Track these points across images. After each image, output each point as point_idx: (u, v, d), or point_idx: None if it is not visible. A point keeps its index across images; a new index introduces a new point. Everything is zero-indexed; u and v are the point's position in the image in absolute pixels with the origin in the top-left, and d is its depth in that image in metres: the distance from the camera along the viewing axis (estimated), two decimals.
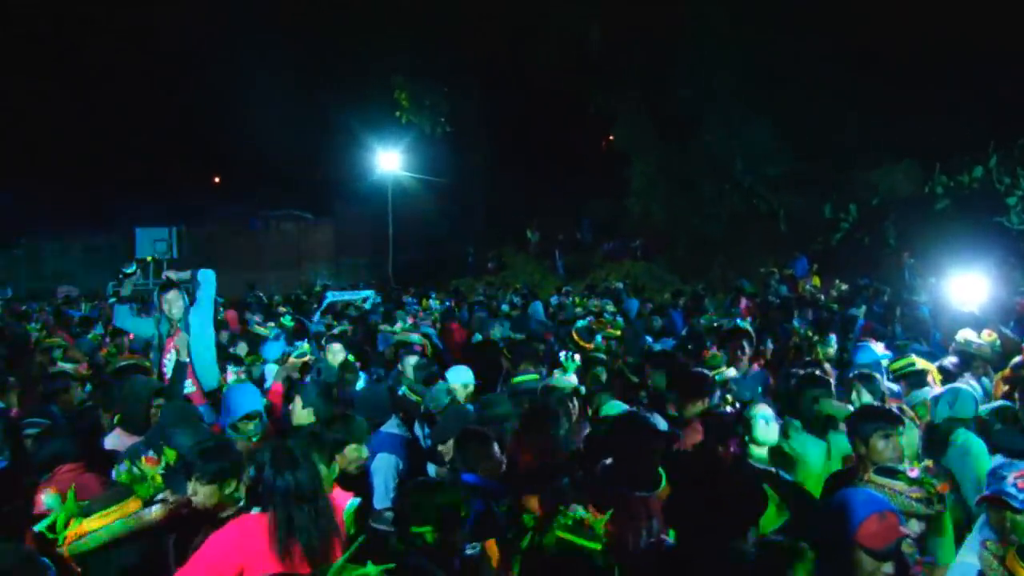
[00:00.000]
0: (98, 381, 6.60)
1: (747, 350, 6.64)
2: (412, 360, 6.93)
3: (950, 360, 5.94)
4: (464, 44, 25.91)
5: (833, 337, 7.73)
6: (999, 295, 10.77)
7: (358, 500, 3.78)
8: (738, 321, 8.01)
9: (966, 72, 18.46)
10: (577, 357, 6.38)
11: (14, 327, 11.52)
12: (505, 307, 14.14)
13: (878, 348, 6.65)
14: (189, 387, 6.09)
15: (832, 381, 5.27)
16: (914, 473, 3.41)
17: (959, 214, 17.68)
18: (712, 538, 3.09)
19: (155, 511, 2.98)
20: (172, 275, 6.56)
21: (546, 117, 27.24)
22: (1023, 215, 16.86)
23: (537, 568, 3.05)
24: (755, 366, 6.66)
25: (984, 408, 4.97)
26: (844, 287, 14.78)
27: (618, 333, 9.29)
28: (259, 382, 7.04)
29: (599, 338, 8.28)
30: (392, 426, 5.23)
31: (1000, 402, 5.18)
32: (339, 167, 28.56)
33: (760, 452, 4.49)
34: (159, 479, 3.04)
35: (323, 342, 7.75)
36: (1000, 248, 15.47)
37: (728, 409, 5.16)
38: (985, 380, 6.01)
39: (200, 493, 3.52)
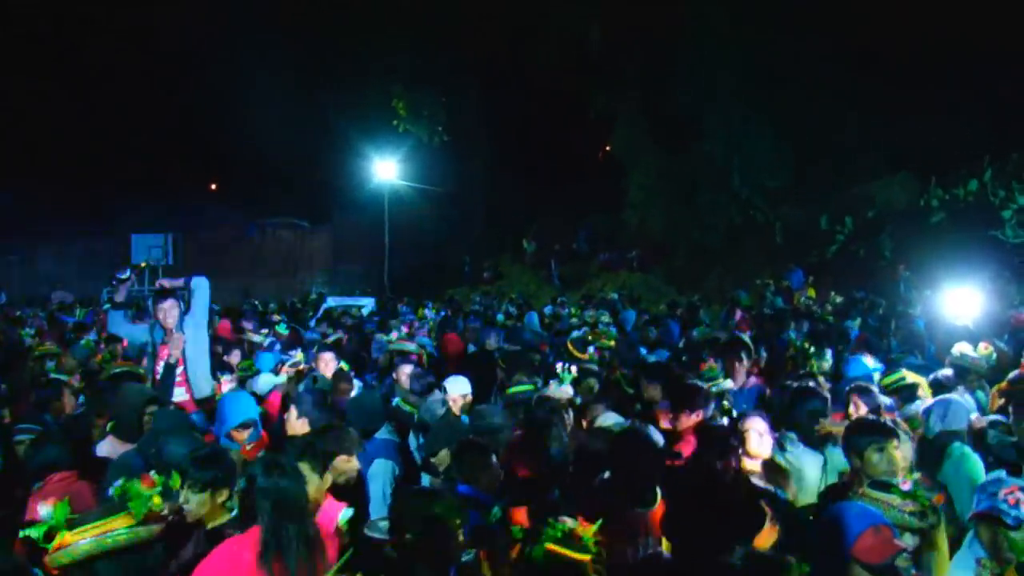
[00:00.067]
0: (92, 388, 6.58)
1: (745, 362, 6.61)
2: (407, 369, 6.92)
3: (943, 373, 5.94)
4: (463, 45, 26.03)
5: (829, 351, 7.73)
6: (993, 308, 10.79)
7: (351, 510, 3.76)
8: (738, 334, 7.97)
9: (966, 74, 18.45)
10: (574, 368, 6.36)
11: (8, 332, 11.48)
12: (500, 317, 14.14)
13: (869, 361, 6.65)
14: (182, 395, 6.07)
15: (827, 395, 5.26)
16: (907, 486, 3.40)
17: (954, 227, 17.70)
18: (706, 552, 3.08)
19: (143, 530, 2.94)
20: (166, 282, 6.54)
21: (544, 126, 27.31)
22: (1018, 228, 16.89)
23: None
24: (752, 378, 6.63)
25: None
26: (839, 299, 14.80)
27: (612, 344, 9.29)
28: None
29: (591, 349, 8.27)
30: (385, 432, 5.23)
31: (993, 416, 5.18)
32: (336, 175, 28.58)
33: (754, 465, 4.49)
34: (157, 500, 3.00)
35: (316, 351, 7.74)
36: (994, 261, 15.49)
37: (724, 421, 5.15)
38: (980, 393, 6.01)
39: (192, 501, 3.50)
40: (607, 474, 4.01)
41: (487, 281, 26.71)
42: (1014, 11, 17.16)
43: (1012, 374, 5.72)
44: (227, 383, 6.65)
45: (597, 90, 24.78)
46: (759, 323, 11.73)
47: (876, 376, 6.03)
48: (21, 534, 2.91)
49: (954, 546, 3.71)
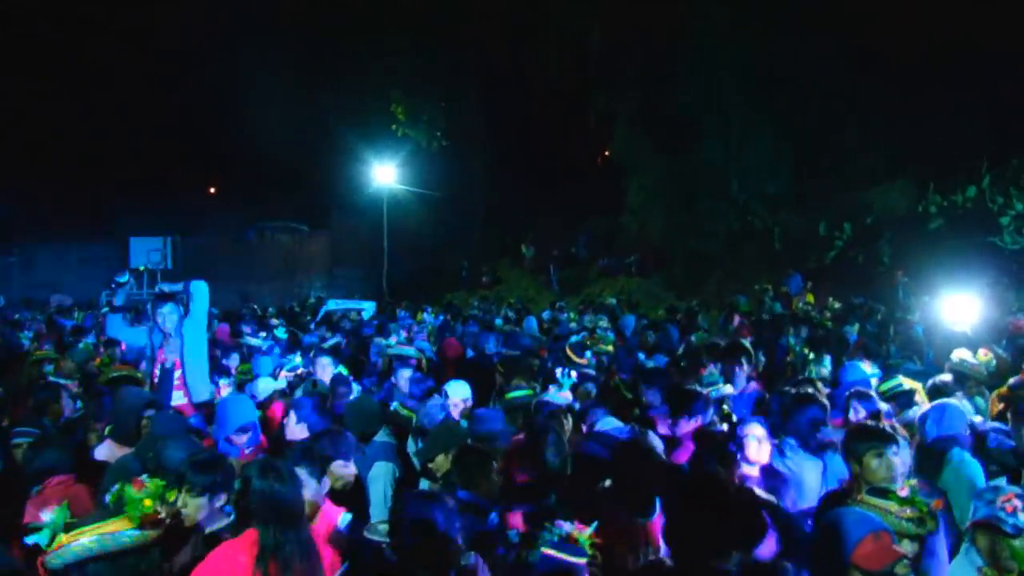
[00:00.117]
0: (90, 391, 6.58)
1: (745, 367, 6.58)
2: (407, 374, 6.91)
3: (941, 378, 5.94)
4: (463, 48, 26.03)
5: (828, 358, 7.72)
6: (991, 315, 10.80)
7: (350, 515, 3.76)
8: (739, 339, 7.96)
9: (967, 77, 18.29)
10: (573, 373, 6.36)
11: (7, 336, 11.47)
12: (499, 321, 14.13)
13: (866, 367, 6.65)
14: (180, 399, 6.07)
15: (826, 402, 5.25)
16: (904, 492, 3.39)
17: (952, 233, 17.72)
18: (704, 559, 3.08)
19: (138, 534, 2.94)
20: (166, 287, 6.55)
21: (543, 131, 27.33)
22: (1016, 235, 16.91)
23: None
24: (752, 384, 6.62)
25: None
26: (837, 305, 14.81)
27: (609, 348, 9.29)
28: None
29: (588, 353, 8.27)
30: (384, 436, 5.23)
31: (994, 424, 5.17)
32: (336, 179, 28.58)
33: (752, 471, 4.48)
34: (148, 503, 3.00)
35: (312, 355, 7.73)
36: (993, 268, 15.51)
37: (723, 427, 5.15)
38: (979, 399, 6.01)
39: (190, 505, 3.50)
40: (608, 482, 4.00)
41: (486, 286, 26.72)
42: (1017, 14, 17.13)
43: (1012, 380, 5.72)
44: (225, 387, 6.65)
45: (597, 91, 24.79)
46: (758, 329, 11.74)
47: (873, 382, 6.03)
48: (29, 541, 2.89)
49: (953, 554, 3.71)
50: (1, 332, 12.16)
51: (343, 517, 3.73)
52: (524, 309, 16.86)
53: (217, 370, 7.16)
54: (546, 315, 15.43)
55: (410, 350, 8.29)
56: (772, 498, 4.15)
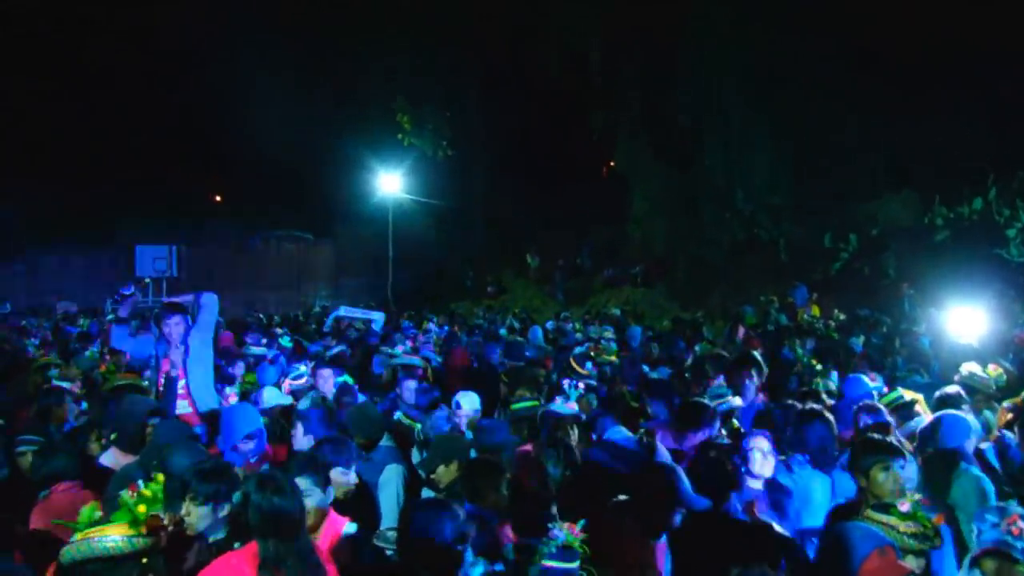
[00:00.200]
0: (94, 398, 6.60)
1: (755, 379, 6.52)
2: (412, 384, 6.89)
3: (948, 390, 5.91)
4: (467, 58, 26.04)
5: (835, 374, 7.68)
6: (997, 328, 10.77)
7: (355, 525, 3.75)
8: (750, 351, 7.91)
9: (975, 83, 18.29)
10: (581, 385, 6.34)
11: (14, 342, 11.52)
12: (503, 331, 14.11)
13: (869, 380, 6.62)
14: (185, 408, 6.07)
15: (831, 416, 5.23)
16: (905, 507, 3.36)
17: (958, 245, 17.68)
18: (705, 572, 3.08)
19: (136, 540, 2.96)
20: (177, 299, 6.56)
21: (547, 140, 27.36)
22: (1022, 247, 16.88)
23: None
24: (760, 397, 6.56)
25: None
26: (841, 317, 14.78)
27: (613, 359, 9.26)
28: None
29: (589, 364, 8.26)
30: (387, 440, 5.24)
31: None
32: (341, 188, 28.61)
33: (756, 484, 4.47)
34: (143, 508, 3.02)
35: (313, 367, 7.71)
36: (999, 280, 15.46)
37: (727, 439, 5.12)
38: (988, 413, 5.98)
39: (193, 514, 3.50)
40: (621, 497, 3.97)
41: (490, 295, 26.70)
42: (1019, 14, 17.06)
43: None
44: (231, 395, 6.64)
45: (597, 110, 24.81)
46: (763, 340, 11.70)
47: (875, 395, 6.00)
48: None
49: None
50: (7, 339, 12.21)
51: (347, 527, 3.72)
52: (529, 319, 16.83)
53: (221, 378, 7.14)
54: (549, 325, 15.41)
55: (416, 359, 8.28)
56: (783, 531, 4.10)
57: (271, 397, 6.49)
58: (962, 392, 5.71)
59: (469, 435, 5.25)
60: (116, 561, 2.92)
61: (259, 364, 8.91)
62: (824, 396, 6.41)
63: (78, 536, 2.94)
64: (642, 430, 5.57)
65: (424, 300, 25.07)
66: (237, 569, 3.08)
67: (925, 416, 5.34)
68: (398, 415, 6.33)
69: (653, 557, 3.70)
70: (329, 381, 7.09)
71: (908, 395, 5.72)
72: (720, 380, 6.52)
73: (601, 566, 3.21)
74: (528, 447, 5.18)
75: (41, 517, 4.07)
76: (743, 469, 4.48)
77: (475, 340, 11.67)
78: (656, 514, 3.76)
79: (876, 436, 4.18)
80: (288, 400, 6.74)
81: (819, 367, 7.54)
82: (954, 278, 15.11)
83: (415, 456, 5.73)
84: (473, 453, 4.64)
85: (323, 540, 3.60)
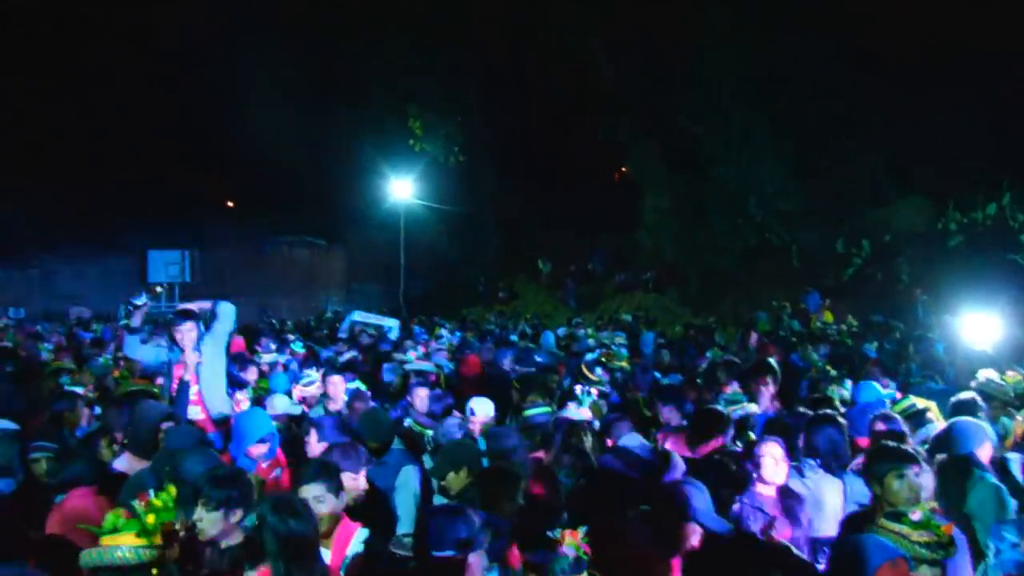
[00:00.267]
0: (107, 403, 6.62)
1: (771, 386, 6.48)
2: (423, 391, 6.89)
3: (963, 397, 5.86)
4: (479, 64, 26.03)
5: (848, 382, 7.64)
6: (1012, 334, 10.68)
7: (367, 531, 3.74)
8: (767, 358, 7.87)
9: (992, 90, 18.24)
10: (594, 391, 6.32)
11: (28, 347, 11.59)
12: (514, 337, 14.09)
13: (881, 387, 6.58)
14: (197, 414, 6.08)
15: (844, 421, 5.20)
16: (916, 516, 3.33)
17: (972, 251, 17.59)
18: None
19: (145, 552, 2.99)
20: (193, 306, 6.57)
21: (559, 146, 27.35)
22: None
23: None
24: (775, 403, 6.52)
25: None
26: (854, 323, 14.71)
27: (624, 364, 9.24)
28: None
29: (598, 370, 8.24)
30: (398, 443, 5.24)
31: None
32: (353, 193, 28.65)
33: (768, 491, 4.44)
34: (151, 518, 3.04)
35: (323, 373, 7.71)
36: (1013, 286, 15.34)
37: (738, 449, 5.09)
38: (1004, 420, 5.92)
39: (205, 519, 3.49)
40: (642, 508, 3.95)
41: (502, 301, 26.69)
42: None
43: None
44: (243, 400, 6.65)
45: (605, 114, 24.78)
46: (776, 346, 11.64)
47: (888, 403, 5.96)
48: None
49: None
50: (21, 344, 12.28)
51: (359, 533, 3.71)
52: (541, 325, 16.82)
53: (232, 384, 7.15)
54: (560, 331, 15.39)
55: (428, 365, 8.27)
56: (800, 554, 4.06)
57: (280, 405, 6.50)
58: (978, 399, 5.65)
59: (482, 442, 5.24)
60: (124, 572, 2.95)
61: (271, 370, 8.93)
62: (837, 403, 6.37)
63: (104, 540, 3.00)
64: (656, 436, 5.56)
65: (436, 306, 25.07)
66: None
67: (938, 423, 5.30)
68: (408, 422, 6.33)
69: (671, 570, 3.67)
70: (340, 388, 7.09)
71: (920, 403, 5.68)
72: (734, 386, 6.49)
73: None
74: (539, 454, 5.17)
75: (57, 522, 4.09)
76: (755, 475, 4.46)
77: (487, 346, 11.66)
78: (673, 532, 3.75)
79: (891, 443, 4.15)
80: (297, 410, 6.75)
81: (833, 373, 7.50)
82: (968, 284, 15.01)
83: (427, 462, 5.73)
84: (485, 462, 4.63)
85: (336, 545, 3.60)
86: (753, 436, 5.64)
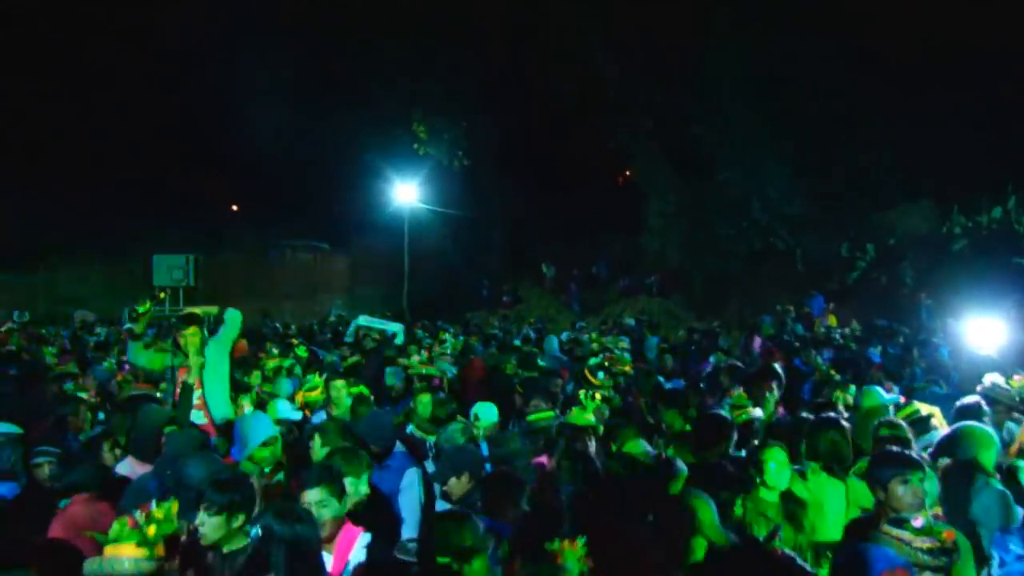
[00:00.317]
0: (110, 408, 6.63)
1: (776, 391, 6.46)
2: (427, 398, 6.86)
3: (967, 401, 5.84)
4: (484, 69, 26.01)
5: (853, 387, 7.62)
6: (1017, 338, 10.64)
7: (369, 535, 3.74)
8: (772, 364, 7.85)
9: (995, 95, 18.20)
10: (598, 395, 6.30)
11: (32, 351, 11.60)
12: (518, 342, 14.05)
13: (885, 392, 6.56)
14: (201, 418, 6.08)
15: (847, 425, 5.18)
16: (918, 523, 3.31)
17: (977, 255, 17.56)
18: None
19: (145, 564, 2.99)
20: (198, 310, 6.57)
21: (564, 150, 27.33)
22: None
23: None
24: (780, 409, 6.50)
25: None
26: (859, 327, 14.67)
27: (627, 369, 9.22)
28: None
29: (601, 374, 8.22)
30: (401, 446, 5.24)
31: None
32: (356, 198, 28.64)
33: (771, 496, 4.43)
34: (152, 531, 3.03)
35: (325, 378, 7.69)
36: (1018, 290, 15.31)
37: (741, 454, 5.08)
38: (1010, 424, 5.89)
39: (207, 524, 3.49)
40: (650, 518, 3.93)
41: (506, 305, 26.68)
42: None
43: None
44: (245, 405, 6.65)
45: (607, 116, 24.77)
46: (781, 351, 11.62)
47: (891, 408, 5.94)
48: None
49: None
50: (26, 347, 12.30)
51: (362, 538, 3.71)
52: (544, 329, 16.80)
53: (236, 388, 7.14)
54: (563, 336, 15.36)
55: (432, 369, 8.26)
56: (805, 566, 4.05)
57: (282, 410, 6.49)
58: (983, 403, 5.63)
59: (486, 447, 5.23)
60: None
61: (275, 374, 8.92)
62: (841, 408, 6.36)
63: (107, 549, 3.00)
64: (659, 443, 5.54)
65: (439, 310, 25.05)
66: None
67: (942, 429, 5.28)
68: (411, 428, 6.31)
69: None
70: (343, 392, 7.07)
71: (924, 408, 5.66)
72: (739, 391, 6.48)
73: None
74: (542, 458, 5.15)
75: (61, 527, 4.09)
76: (757, 480, 4.44)
77: (490, 351, 11.65)
78: (678, 544, 3.74)
79: (895, 449, 4.13)
80: (298, 415, 6.74)
81: (837, 377, 7.48)
82: (972, 288, 14.99)
83: (429, 467, 5.72)
84: (488, 467, 4.62)
85: (338, 550, 3.60)
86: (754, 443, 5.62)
